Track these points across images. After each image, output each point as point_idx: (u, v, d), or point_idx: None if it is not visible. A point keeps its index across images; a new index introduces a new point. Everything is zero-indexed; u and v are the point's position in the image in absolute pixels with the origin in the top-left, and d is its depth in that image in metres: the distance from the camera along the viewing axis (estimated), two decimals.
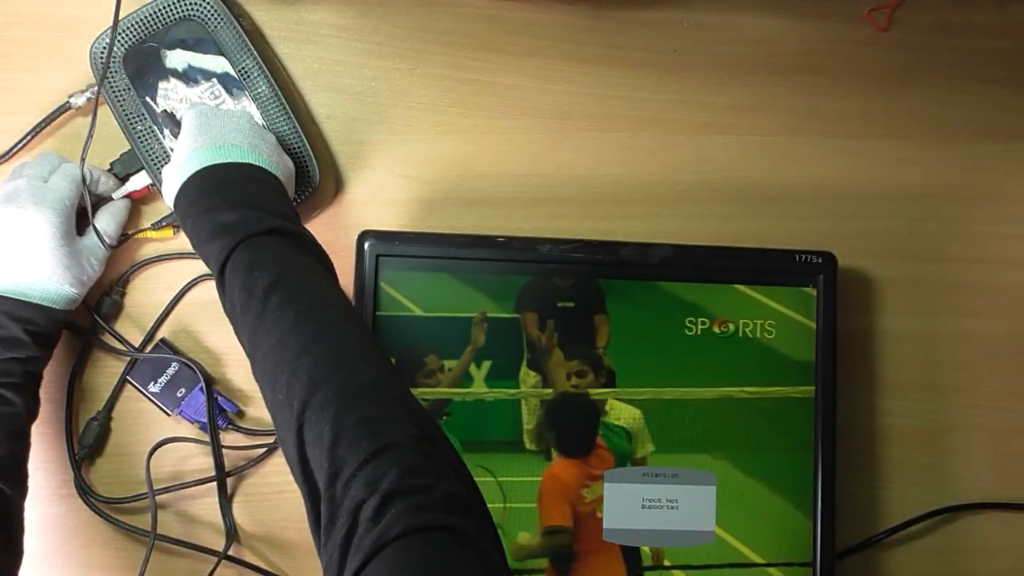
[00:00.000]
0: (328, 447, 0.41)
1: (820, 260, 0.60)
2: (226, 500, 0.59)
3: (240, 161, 0.52)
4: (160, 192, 0.56)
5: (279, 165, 0.55)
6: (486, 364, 0.59)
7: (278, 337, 0.45)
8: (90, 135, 0.55)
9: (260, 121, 0.59)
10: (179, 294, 0.61)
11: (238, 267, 0.48)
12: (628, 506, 0.58)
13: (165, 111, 0.57)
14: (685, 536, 0.58)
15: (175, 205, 0.53)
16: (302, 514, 0.60)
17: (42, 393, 0.59)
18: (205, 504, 0.60)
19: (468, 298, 0.59)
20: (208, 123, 0.54)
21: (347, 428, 0.41)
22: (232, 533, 0.59)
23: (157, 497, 0.59)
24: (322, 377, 0.43)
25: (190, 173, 0.52)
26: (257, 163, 0.53)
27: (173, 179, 0.53)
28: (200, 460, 0.60)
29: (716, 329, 0.60)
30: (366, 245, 0.58)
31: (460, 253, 0.59)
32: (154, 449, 0.58)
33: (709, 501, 0.58)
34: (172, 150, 0.57)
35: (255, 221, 0.49)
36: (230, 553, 0.59)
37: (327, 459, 0.40)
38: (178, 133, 0.55)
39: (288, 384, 0.43)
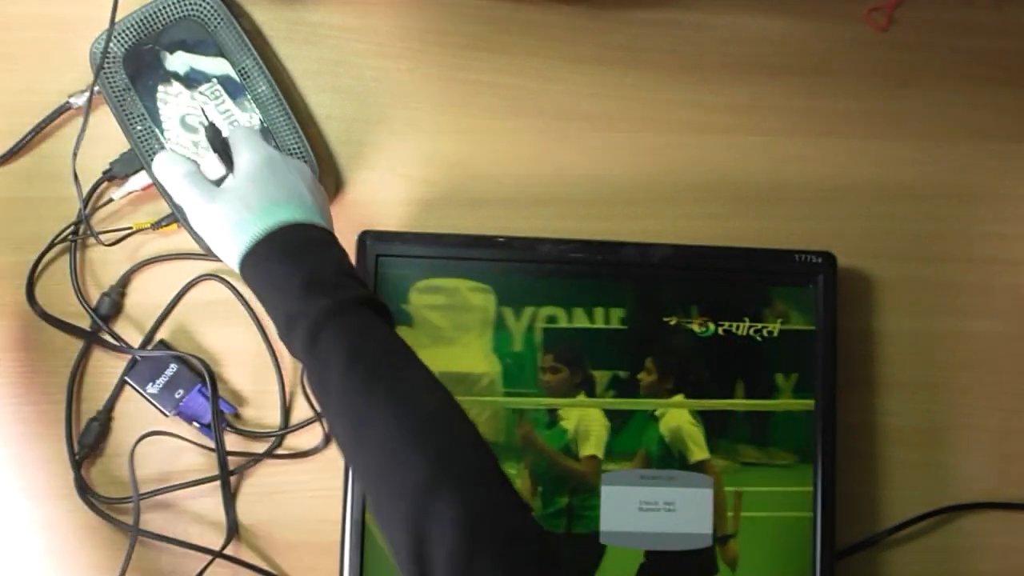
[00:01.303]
0: (451, 538, 0.40)
1: (820, 260, 0.60)
2: (230, 499, 0.59)
3: (311, 222, 0.50)
4: (186, 225, 0.56)
5: (330, 219, 0.53)
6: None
7: (385, 426, 0.44)
8: (81, 134, 0.56)
9: (260, 121, 0.59)
10: (179, 294, 0.61)
11: (333, 344, 0.45)
12: (625, 508, 0.58)
13: (212, 124, 0.54)
14: (682, 539, 0.58)
15: (241, 265, 0.49)
16: (300, 514, 0.60)
17: (42, 393, 0.60)
18: (200, 504, 0.60)
19: (468, 299, 0.59)
20: (275, 173, 0.51)
21: (470, 516, 0.41)
22: (234, 531, 0.59)
23: (157, 497, 0.59)
24: (438, 468, 0.42)
25: (260, 232, 0.48)
26: (322, 223, 0.50)
27: (238, 235, 0.49)
28: (196, 460, 0.60)
29: (696, 328, 0.59)
30: (366, 245, 0.58)
31: (460, 253, 0.59)
32: (141, 439, 0.58)
33: (706, 504, 0.58)
34: (217, 179, 0.53)
35: (344, 291, 0.47)
36: (228, 552, 0.59)
37: (452, 542, 0.40)
38: (221, 154, 0.53)
39: (400, 474, 0.42)
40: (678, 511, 0.58)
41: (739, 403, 0.59)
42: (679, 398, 0.59)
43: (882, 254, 0.65)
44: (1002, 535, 0.63)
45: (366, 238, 0.58)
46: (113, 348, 0.60)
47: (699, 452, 0.59)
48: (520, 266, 0.59)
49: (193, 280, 0.61)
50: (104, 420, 0.60)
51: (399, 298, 0.59)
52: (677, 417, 0.59)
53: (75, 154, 0.56)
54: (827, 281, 0.60)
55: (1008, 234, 0.66)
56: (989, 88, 0.67)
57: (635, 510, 0.58)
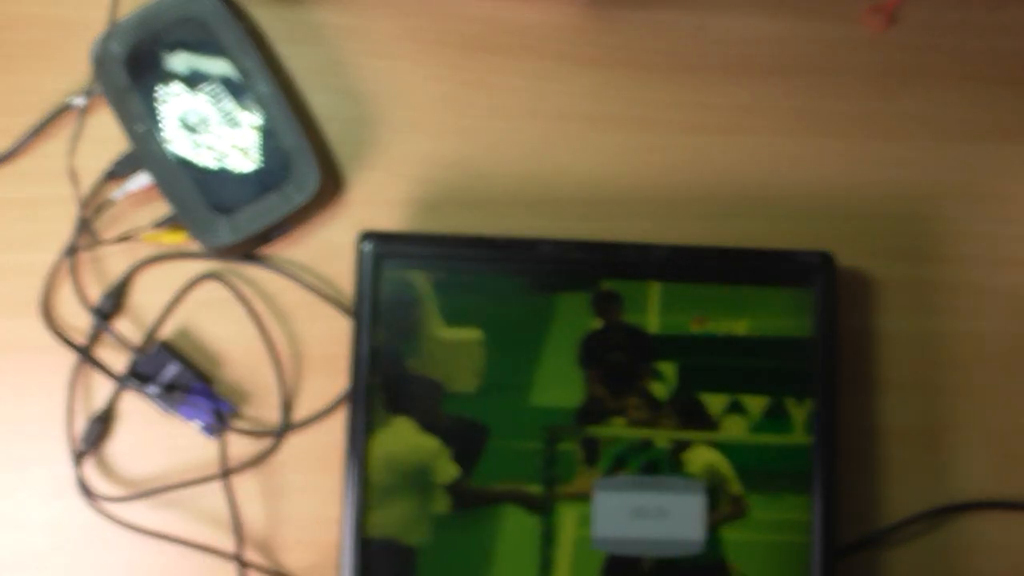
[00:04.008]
0: None
1: (818, 260, 0.60)
2: (232, 498, 0.59)
3: None
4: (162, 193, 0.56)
5: None
6: None
7: None
8: (77, 134, 0.56)
9: (261, 121, 0.60)
10: (179, 294, 0.61)
11: None
12: (617, 515, 0.58)
13: None
14: (675, 546, 0.58)
15: None
16: (303, 512, 0.60)
17: (43, 392, 0.60)
18: (201, 503, 0.60)
19: (469, 300, 0.59)
20: None
21: None
22: (239, 530, 0.59)
23: (160, 496, 0.59)
24: None
25: None
26: None
27: None
28: (197, 460, 0.60)
29: (693, 329, 0.59)
30: (366, 246, 0.58)
31: (461, 254, 0.59)
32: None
33: (699, 510, 0.58)
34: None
35: None
36: (223, 549, 0.59)
37: None
38: None
39: None
40: (670, 517, 0.58)
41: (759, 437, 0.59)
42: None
43: (882, 254, 0.65)
44: (1002, 535, 0.63)
45: (366, 239, 0.58)
46: (114, 350, 0.60)
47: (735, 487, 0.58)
48: (520, 266, 0.59)
49: (193, 280, 0.61)
50: (105, 420, 0.60)
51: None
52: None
53: (71, 154, 0.56)
54: (825, 282, 0.60)
55: (1008, 234, 0.66)
56: (989, 88, 0.67)
57: (627, 516, 0.58)
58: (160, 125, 0.60)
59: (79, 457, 0.59)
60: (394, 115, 0.64)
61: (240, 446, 0.61)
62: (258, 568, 0.59)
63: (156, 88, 0.60)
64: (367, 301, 0.58)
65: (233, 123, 0.60)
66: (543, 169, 0.64)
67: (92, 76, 0.59)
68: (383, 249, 0.58)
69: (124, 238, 0.60)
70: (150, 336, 0.61)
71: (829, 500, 0.58)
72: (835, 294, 0.60)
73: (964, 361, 0.64)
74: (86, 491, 0.59)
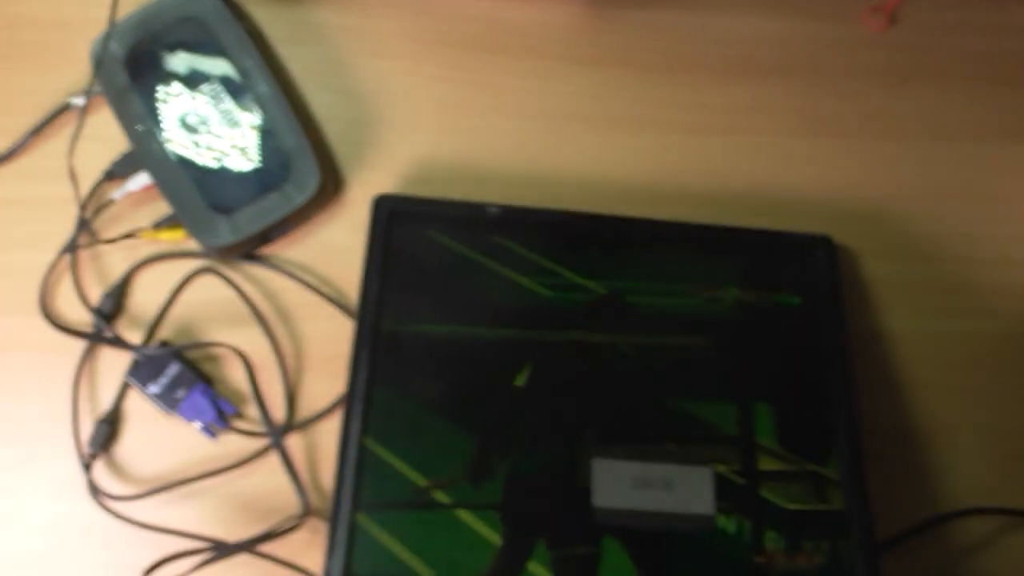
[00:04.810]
0: None
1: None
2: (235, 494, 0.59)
3: None
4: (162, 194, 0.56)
5: None
6: None
7: None
8: (77, 134, 0.56)
9: (260, 121, 0.60)
10: (176, 288, 0.61)
11: None
12: (619, 484, 0.55)
13: None
14: (682, 520, 0.54)
15: None
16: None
17: (48, 391, 0.60)
18: (203, 503, 0.60)
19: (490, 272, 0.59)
20: None
21: None
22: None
23: (165, 492, 0.59)
24: None
25: None
26: None
27: None
28: (200, 459, 0.60)
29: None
30: (382, 211, 0.58)
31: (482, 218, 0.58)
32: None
33: (707, 482, 0.55)
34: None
35: None
36: (230, 544, 0.59)
37: None
38: None
39: None
40: (677, 489, 0.55)
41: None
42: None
43: (882, 254, 0.65)
44: (1003, 539, 0.63)
45: (383, 203, 0.58)
46: (115, 349, 0.60)
47: None
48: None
49: (190, 273, 0.61)
50: (111, 420, 0.59)
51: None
52: None
53: (71, 154, 0.56)
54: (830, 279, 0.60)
55: (1008, 234, 0.66)
56: (989, 88, 0.67)
57: (629, 486, 0.55)
58: (160, 125, 0.60)
59: (89, 460, 0.59)
60: (394, 115, 0.64)
61: (242, 445, 0.60)
62: (273, 559, 0.59)
63: (156, 88, 0.60)
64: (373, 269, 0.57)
65: (233, 123, 0.60)
66: (543, 169, 0.64)
67: (92, 76, 0.59)
68: (397, 206, 0.58)
69: (124, 237, 0.60)
70: (151, 336, 0.61)
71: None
72: (838, 294, 0.60)
73: (964, 361, 0.64)
74: (95, 490, 0.58)
